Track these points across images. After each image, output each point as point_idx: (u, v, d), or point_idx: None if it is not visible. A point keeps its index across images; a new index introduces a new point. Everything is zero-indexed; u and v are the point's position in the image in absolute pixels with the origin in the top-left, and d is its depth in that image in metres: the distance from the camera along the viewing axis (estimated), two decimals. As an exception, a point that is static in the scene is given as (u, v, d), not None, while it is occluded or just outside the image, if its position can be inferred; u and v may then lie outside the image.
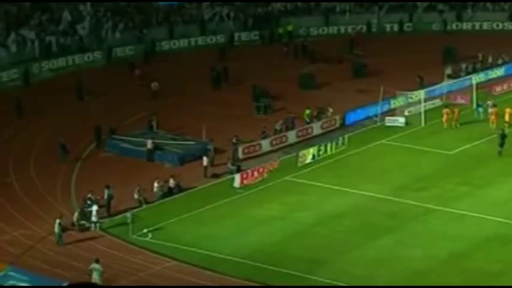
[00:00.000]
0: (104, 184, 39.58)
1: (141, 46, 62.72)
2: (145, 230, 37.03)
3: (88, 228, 37.64)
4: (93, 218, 37.62)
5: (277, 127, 47.57)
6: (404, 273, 33.53)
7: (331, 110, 49.81)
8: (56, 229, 36.20)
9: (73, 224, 37.63)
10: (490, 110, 49.19)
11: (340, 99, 51.90)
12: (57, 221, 36.31)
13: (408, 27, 70.30)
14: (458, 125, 48.91)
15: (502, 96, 53.56)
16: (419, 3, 71.48)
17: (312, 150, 44.35)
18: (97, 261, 32.62)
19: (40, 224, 37.60)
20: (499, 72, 58.37)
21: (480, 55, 59.75)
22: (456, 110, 49.31)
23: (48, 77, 58.19)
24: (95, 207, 37.76)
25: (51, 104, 52.39)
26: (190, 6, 68.45)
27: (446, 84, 54.27)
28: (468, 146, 46.38)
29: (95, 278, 32.31)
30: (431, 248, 35.37)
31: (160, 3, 67.79)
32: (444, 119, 48.99)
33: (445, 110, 49.59)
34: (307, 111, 49.20)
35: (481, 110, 50.12)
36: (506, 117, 47.93)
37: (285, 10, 70.27)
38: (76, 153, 45.62)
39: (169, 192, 40.92)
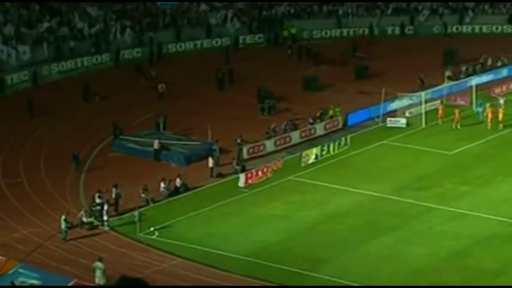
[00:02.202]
0: (112, 183, 40.05)
1: (147, 48, 63.31)
2: (152, 228, 37.40)
3: (96, 227, 38.15)
4: (104, 217, 38.23)
5: (279, 127, 48.23)
6: (405, 270, 33.87)
7: (338, 110, 50.37)
8: (62, 225, 36.64)
9: (82, 223, 38.12)
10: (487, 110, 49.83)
11: (342, 100, 52.31)
12: (63, 217, 36.79)
13: (409, 30, 70.81)
14: (459, 126, 49.44)
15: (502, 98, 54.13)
16: (420, 8, 71.92)
17: (315, 151, 44.77)
18: (100, 260, 32.97)
19: (49, 222, 37.96)
20: (498, 74, 58.97)
21: (482, 58, 60.23)
22: (457, 111, 49.91)
23: (58, 79, 58.61)
24: (105, 206, 38.40)
25: (60, 105, 52.69)
26: (196, 9, 69.11)
27: (446, 86, 54.87)
28: (468, 146, 46.79)
29: (98, 276, 32.72)
30: (432, 246, 35.70)
31: (159, 3, 68.28)
32: (439, 115, 49.60)
33: (440, 107, 50.29)
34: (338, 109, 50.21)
35: (480, 110, 50.70)
36: (489, 116, 48.61)
37: (288, 13, 70.84)
38: (84, 153, 46.04)
39: (176, 191, 41.46)
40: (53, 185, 42.21)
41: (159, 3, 68.17)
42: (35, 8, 63.63)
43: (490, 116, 48.95)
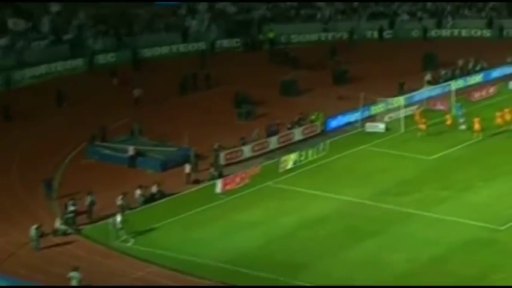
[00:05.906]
0: (86, 190, 39.60)
1: (122, 53, 62.82)
2: (126, 236, 36.90)
3: (69, 234, 37.58)
4: (117, 226, 37.02)
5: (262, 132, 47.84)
6: (386, 276, 33.64)
7: (320, 115, 50.08)
8: (33, 234, 36.16)
9: (55, 231, 37.58)
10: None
11: (321, 105, 52.12)
12: (33, 226, 36.34)
13: (388, 34, 70.77)
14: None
15: (480, 103, 54.02)
16: (400, 12, 72.04)
17: (293, 156, 44.50)
18: (75, 269, 32.52)
19: (21, 230, 37.40)
20: (477, 78, 58.91)
21: (471, 60, 59.92)
22: (418, 114, 49.46)
23: (30, 84, 58.11)
24: (119, 218, 37.08)
25: (33, 110, 52.37)
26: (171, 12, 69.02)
27: (425, 91, 54.72)
28: (447, 151, 46.67)
29: (74, 286, 32.25)
30: (412, 252, 35.52)
31: (156, 3, 68.09)
32: (417, 118, 49.46)
33: (417, 112, 50.28)
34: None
35: (460, 113, 50.35)
36: (477, 126, 48.29)
37: (266, 17, 70.65)
38: (57, 159, 45.56)
39: (152, 198, 40.95)
40: (25, 192, 41.65)
41: (156, 3, 68.07)
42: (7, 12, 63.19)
43: (477, 126, 48.30)
